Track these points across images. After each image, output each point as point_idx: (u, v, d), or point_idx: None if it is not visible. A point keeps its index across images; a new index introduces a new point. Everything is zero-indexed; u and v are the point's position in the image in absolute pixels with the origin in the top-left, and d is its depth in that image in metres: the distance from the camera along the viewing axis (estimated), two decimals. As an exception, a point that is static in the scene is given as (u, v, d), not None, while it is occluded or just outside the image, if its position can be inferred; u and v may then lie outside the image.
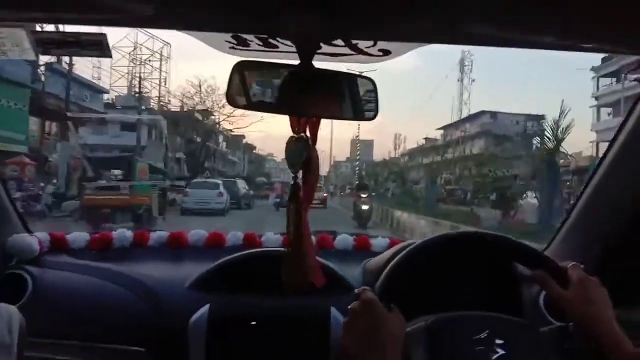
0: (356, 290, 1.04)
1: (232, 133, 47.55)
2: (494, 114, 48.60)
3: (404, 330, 1.02)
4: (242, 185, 27.38)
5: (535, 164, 16.18)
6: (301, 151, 0.97)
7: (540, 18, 0.66)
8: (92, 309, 1.56)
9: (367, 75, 0.97)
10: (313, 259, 1.09)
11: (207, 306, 1.45)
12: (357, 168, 61.38)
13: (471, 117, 50.56)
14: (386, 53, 0.96)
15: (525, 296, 1.38)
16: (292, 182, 1.01)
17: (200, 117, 37.09)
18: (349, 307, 1.02)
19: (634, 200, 1.45)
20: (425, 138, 57.61)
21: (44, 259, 1.69)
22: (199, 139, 35.60)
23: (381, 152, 67.50)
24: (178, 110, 36.71)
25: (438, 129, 57.06)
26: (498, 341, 1.07)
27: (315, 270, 1.08)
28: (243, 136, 52.23)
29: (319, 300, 1.42)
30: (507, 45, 0.85)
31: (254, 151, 70.20)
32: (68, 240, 1.83)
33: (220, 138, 48.02)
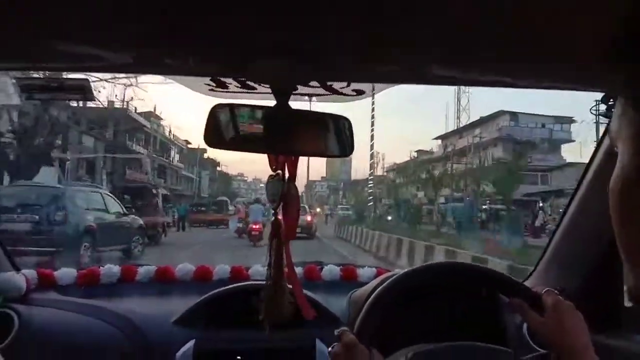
0: (336, 332, 1.04)
1: (190, 146, 41.19)
2: (514, 115, 41.08)
3: None
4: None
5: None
6: (280, 188, 1.00)
7: (511, 60, 0.70)
8: (78, 347, 1.55)
9: (342, 115, 1.00)
10: (300, 294, 1.10)
11: (192, 341, 1.46)
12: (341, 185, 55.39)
13: (484, 120, 42.63)
14: (359, 93, 0.99)
15: (508, 325, 1.39)
16: (273, 219, 1.03)
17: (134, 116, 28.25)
18: (329, 350, 1.03)
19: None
20: (418, 150, 49.81)
21: (31, 297, 1.69)
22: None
23: (361, 171, 61.08)
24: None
25: (435, 138, 50.11)
26: None
27: (304, 304, 1.09)
28: (204, 150, 43.57)
29: (304, 332, 1.43)
30: (478, 85, 0.89)
31: (219, 168, 62.68)
32: (56, 277, 1.83)
33: (173, 149, 40.86)
